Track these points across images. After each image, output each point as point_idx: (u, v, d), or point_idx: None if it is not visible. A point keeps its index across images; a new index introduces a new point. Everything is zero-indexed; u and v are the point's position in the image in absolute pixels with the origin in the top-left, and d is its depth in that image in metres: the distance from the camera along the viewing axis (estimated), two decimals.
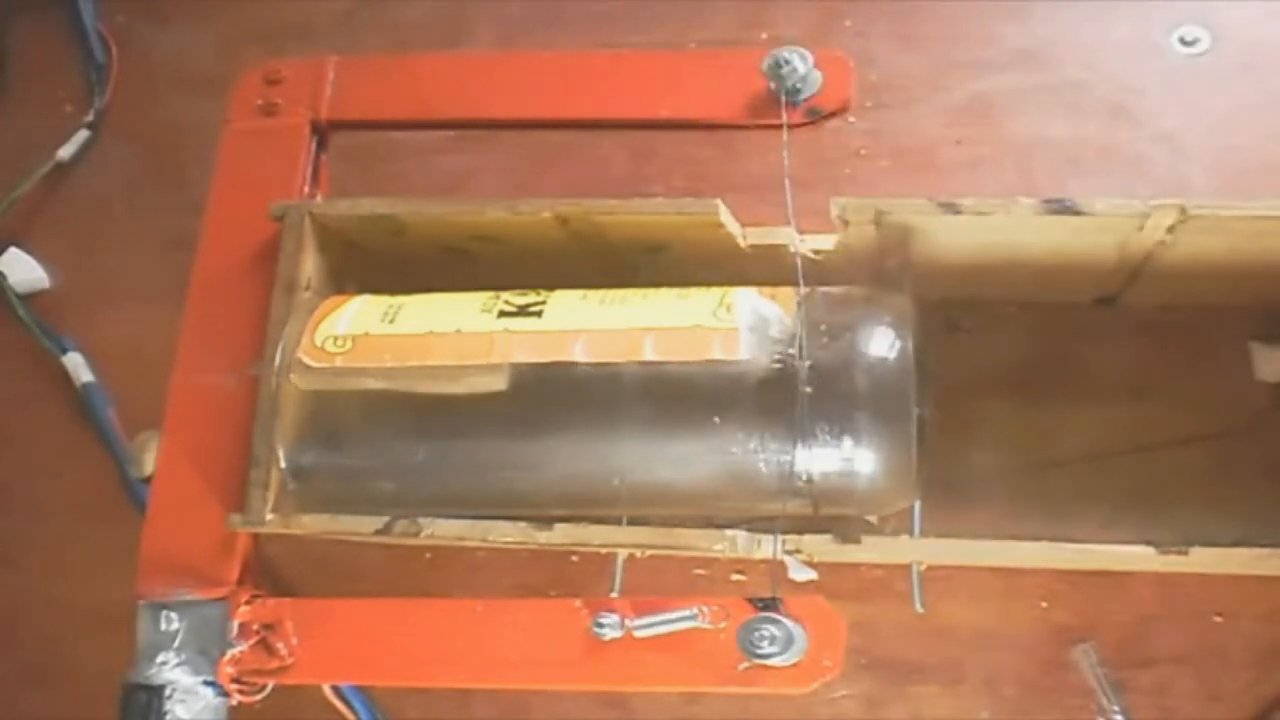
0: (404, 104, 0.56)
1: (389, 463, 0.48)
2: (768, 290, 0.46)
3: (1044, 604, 0.54)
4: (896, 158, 0.63)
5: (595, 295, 0.47)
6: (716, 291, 0.46)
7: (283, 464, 0.47)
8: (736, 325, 0.45)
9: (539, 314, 0.46)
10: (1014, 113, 0.63)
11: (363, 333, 0.47)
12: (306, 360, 0.47)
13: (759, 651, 0.43)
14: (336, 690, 0.53)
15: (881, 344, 0.44)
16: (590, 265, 0.52)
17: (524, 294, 0.47)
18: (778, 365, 0.44)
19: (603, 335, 0.45)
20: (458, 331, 0.46)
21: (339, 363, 0.47)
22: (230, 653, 0.47)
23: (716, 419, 0.44)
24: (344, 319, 0.48)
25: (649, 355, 0.44)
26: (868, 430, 0.43)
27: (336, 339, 0.47)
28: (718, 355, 0.44)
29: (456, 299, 0.48)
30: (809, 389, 0.43)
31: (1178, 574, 0.43)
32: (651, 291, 0.47)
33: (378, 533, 0.47)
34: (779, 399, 0.43)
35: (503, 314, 0.46)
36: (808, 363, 0.43)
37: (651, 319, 0.45)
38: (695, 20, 0.67)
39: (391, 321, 0.47)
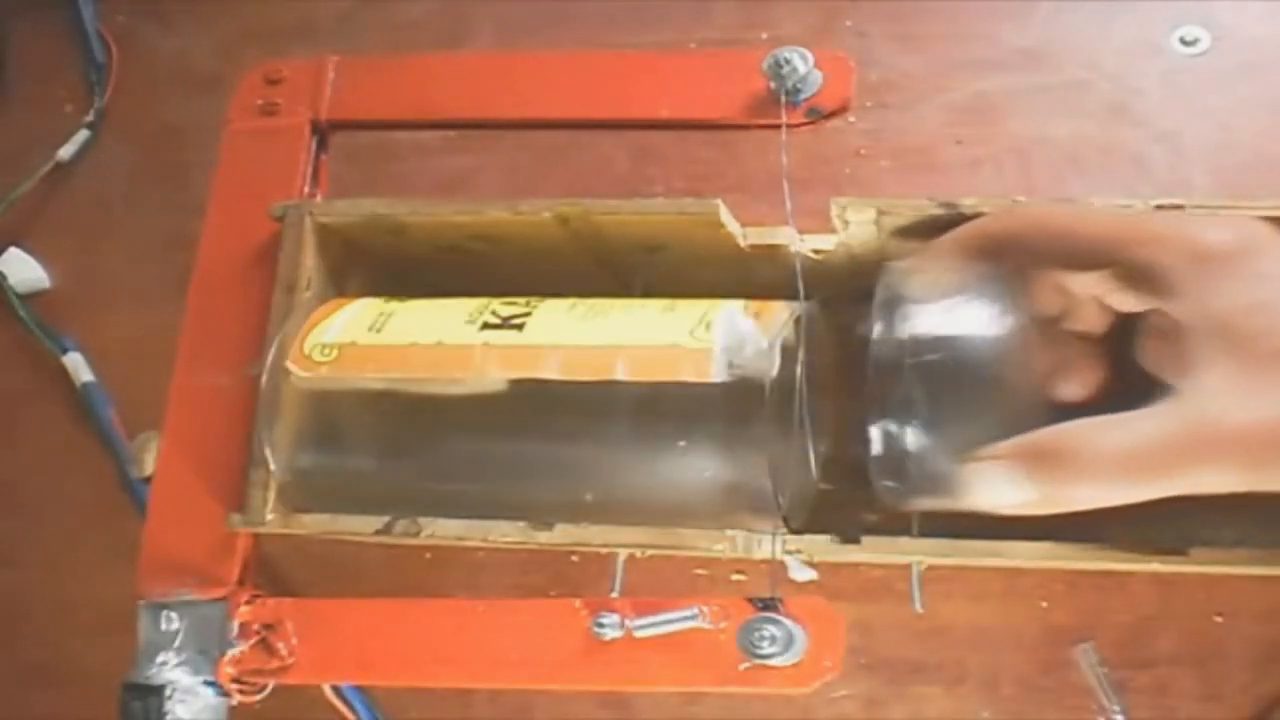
0: (404, 104, 0.56)
1: (386, 464, 0.48)
2: (755, 306, 0.45)
3: (1044, 604, 0.54)
4: (897, 158, 0.63)
5: (582, 307, 0.46)
6: (700, 307, 0.45)
7: (282, 464, 0.47)
8: (711, 346, 0.44)
9: (520, 327, 0.46)
10: (1014, 112, 0.63)
11: (349, 342, 0.47)
12: (294, 369, 0.47)
13: (759, 651, 0.43)
14: (336, 690, 0.53)
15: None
16: (590, 265, 0.52)
17: (512, 303, 0.47)
18: (752, 385, 0.43)
19: (578, 352, 0.45)
20: (439, 344, 0.46)
21: (324, 372, 0.47)
22: (230, 653, 0.48)
23: (683, 442, 0.43)
24: (334, 327, 0.48)
25: (620, 375, 0.44)
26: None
27: (324, 347, 0.47)
28: (688, 377, 0.43)
29: (447, 307, 0.48)
30: (788, 407, 0.43)
31: (1178, 574, 0.43)
32: (638, 304, 0.47)
33: (378, 533, 0.47)
34: (753, 418, 0.42)
35: (486, 326, 0.46)
36: (783, 380, 0.43)
37: (629, 337, 0.45)
38: (695, 20, 0.67)
39: (378, 331, 0.47)
